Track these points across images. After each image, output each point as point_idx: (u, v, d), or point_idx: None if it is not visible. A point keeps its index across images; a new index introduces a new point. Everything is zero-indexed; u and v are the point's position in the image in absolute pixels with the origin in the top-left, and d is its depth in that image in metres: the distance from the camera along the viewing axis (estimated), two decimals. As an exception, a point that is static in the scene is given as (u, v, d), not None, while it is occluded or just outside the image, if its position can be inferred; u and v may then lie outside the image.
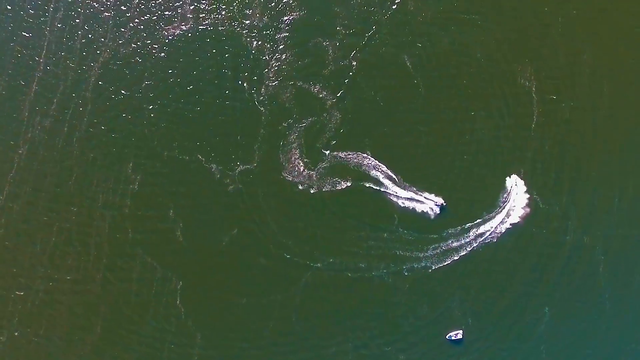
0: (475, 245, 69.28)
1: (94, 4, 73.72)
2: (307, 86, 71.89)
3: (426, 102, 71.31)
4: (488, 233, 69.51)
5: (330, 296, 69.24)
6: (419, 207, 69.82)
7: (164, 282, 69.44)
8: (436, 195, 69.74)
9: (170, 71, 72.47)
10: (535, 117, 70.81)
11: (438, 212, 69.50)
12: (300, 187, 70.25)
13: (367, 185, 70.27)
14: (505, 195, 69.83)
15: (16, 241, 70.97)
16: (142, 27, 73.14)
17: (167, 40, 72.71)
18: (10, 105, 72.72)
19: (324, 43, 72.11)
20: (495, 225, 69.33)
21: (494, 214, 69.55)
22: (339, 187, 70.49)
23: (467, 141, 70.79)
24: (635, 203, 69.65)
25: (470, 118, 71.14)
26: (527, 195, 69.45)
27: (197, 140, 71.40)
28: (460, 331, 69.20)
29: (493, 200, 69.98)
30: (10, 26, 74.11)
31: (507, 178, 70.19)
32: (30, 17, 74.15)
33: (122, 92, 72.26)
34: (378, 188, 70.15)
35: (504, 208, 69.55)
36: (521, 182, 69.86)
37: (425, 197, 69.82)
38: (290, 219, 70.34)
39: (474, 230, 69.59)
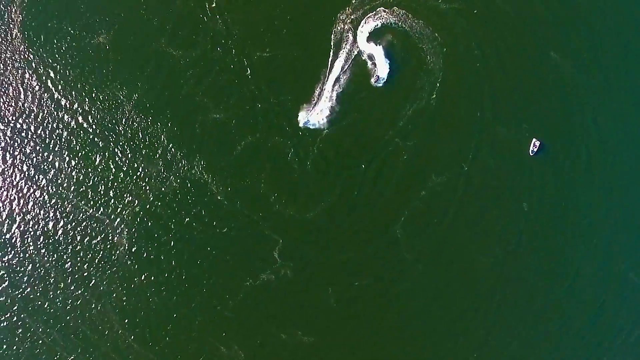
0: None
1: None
2: (236, 152, 70.31)
3: (293, 47, 70.15)
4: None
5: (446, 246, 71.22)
6: None
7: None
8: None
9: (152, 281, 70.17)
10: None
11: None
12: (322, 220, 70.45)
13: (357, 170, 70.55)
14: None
15: None
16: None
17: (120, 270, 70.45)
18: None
19: (212, 115, 70.00)
20: None
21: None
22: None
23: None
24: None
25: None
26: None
27: (225, 290, 70.42)
28: (533, 139, 69.34)
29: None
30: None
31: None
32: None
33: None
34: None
35: None
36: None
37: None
38: (343, 240, 70.51)
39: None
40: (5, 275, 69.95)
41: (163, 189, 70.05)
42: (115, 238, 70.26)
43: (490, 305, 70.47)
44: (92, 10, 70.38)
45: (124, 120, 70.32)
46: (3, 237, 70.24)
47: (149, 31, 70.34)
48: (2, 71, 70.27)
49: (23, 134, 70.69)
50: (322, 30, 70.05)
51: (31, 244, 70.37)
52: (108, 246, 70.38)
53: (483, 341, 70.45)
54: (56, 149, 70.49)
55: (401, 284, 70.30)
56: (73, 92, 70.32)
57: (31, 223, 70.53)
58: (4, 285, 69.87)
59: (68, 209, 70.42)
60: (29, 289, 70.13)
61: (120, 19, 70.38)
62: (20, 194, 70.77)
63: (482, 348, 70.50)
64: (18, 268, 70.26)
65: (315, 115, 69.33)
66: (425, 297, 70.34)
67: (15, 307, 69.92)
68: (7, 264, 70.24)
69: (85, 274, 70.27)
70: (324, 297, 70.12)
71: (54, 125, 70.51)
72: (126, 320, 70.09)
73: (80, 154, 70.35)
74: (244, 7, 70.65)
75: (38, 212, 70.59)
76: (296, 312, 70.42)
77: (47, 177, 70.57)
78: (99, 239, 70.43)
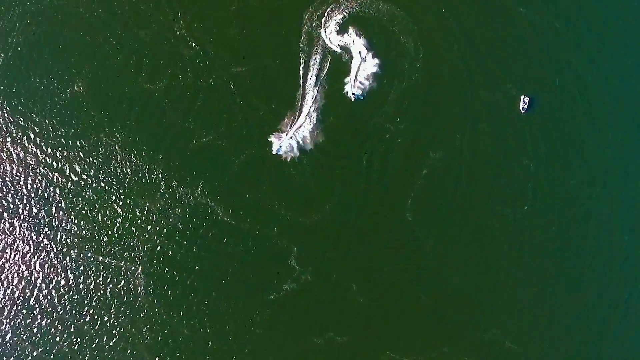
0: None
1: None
2: (234, 171, 70.29)
3: (270, 56, 69.98)
4: None
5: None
6: None
7: None
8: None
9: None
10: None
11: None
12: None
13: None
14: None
15: None
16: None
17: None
18: None
19: (203, 139, 69.82)
20: None
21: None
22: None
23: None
24: None
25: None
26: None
27: (252, 308, 70.05)
28: (522, 96, 68.87)
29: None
30: None
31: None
32: None
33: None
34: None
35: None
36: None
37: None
38: (357, 234, 70.52)
39: None
40: (36, 340, 69.29)
41: (169, 224, 69.88)
42: (135, 281, 70.24)
43: (519, 264, 70.68)
44: (62, 62, 69.78)
45: (114, 163, 69.79)
46: (27, 303, 69.67)
47: (123, 69, 69.79)
48: (-18, 146, 69.78)
49: (18, 204, 70.09)
50: (293, 33, 69.75)
51: (55, 304, 69.86)
52: (129, 291, 69.95)
53: (514, 302, 70.79)
54: (55, 210, 69.95)
55: (422, 267, 70.47)
56: (58, 147, 69.73)
57: (50, 286, 69.99)
58: (39, 349, 69.22)
59: (81, 264, 70.06)
60: (63, 348, 70.11)
61: (93, 64, 69.82)
62: (32, 260, 70.20)
63: (516, 308, 70.71)
64: (48, 329, 69.74)
65: (287, 142, 68.95)
66: (449, 276, 70.46)
67: (54, 369, 70.72)
68: (37, 328, 69.62)
69: (110, 323, 70.00)
70: (348, 294, 70.19)
71: (47, 187, 69.96)
72: (162, 361, 71.02)
73: (78, 207, 69.83)
74: (213, 27, 70.33)
75: (55, 273, 70.14)
76: (325, 315, 70.42)
77: (54, 239, 70.00)
78: (118, 286, 69.98)
